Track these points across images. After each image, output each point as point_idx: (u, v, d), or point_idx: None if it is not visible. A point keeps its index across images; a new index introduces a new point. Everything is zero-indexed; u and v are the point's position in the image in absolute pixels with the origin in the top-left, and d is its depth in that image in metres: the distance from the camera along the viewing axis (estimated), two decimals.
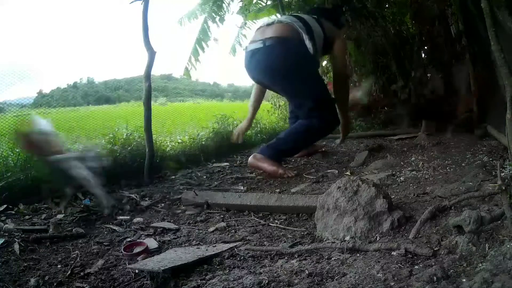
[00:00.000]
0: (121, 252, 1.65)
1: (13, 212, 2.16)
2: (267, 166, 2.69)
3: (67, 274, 1.46)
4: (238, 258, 1.49)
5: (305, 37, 2.58)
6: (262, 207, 2.08)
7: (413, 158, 2.72)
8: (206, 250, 1.57)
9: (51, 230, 1.90)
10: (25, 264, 1.54)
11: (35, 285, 1.37)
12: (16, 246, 1.69)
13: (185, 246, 1.70)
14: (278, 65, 2.62)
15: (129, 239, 1.81)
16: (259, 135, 4.26)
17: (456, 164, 2.36)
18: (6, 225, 1.89)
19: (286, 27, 2.62)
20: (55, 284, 1.40)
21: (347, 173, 2.64)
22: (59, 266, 1.54)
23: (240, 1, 5.63)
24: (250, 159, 2.78)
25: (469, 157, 2.49)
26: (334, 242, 1.49)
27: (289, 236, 1.73)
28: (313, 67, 2.72)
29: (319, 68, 3.00)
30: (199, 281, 1.30)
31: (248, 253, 1.53)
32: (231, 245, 1.62)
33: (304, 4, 5.15)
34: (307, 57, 2.61)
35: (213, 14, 5.56)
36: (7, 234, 1.81)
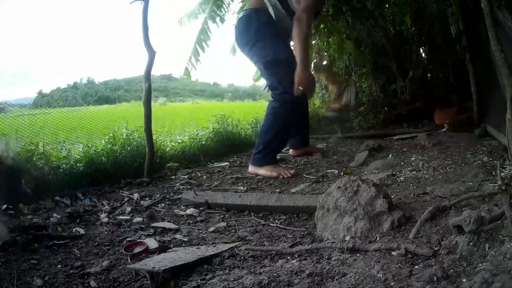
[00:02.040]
0: (121, 252, 1.65)
1: (13, 212, 2.16)
2: (264, 172, 2.73)
3: (67, 274, 1.46)
4: (238, 258, 1.50)
5: (268, 4, 2.51)
6: (262, 207, 2.08)
7: (413, 158, 2.72)
8: (206, 250, 1.57)
9: (51, 229, 1.91)
10: (25, 264, 1.54)
11: (39, 285, 1.37)
12: (16, 246, 1.69)
13: (185, 246, 1.70)
14: (241, 36, 2.68)
15: (129, 239, 1.81)
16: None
17: (456, 164, 2.36)
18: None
19: (253, 1, 2.66)
20: (55, 284, 1.40)
21: (341, 173, 2.64)
22: (59, 266, 1.54)
23: (241, 2, 5.63)
24: (249, 169, 2.84)
25: (469, 157, 2.49)
26: (334, 242, 1.49)
27: (289, 236, 1.73)
28: (272, 36, 2.54)
29: (287, 34, 2.59)
30: (199, 281, 1.30)
31: (248, 253, 1.53)
32: (231, 245, 1.62)
33: None
34: (267, 26, 2.54)
35: (213, 14, 5.56)
36: (6, 234, 1.81)
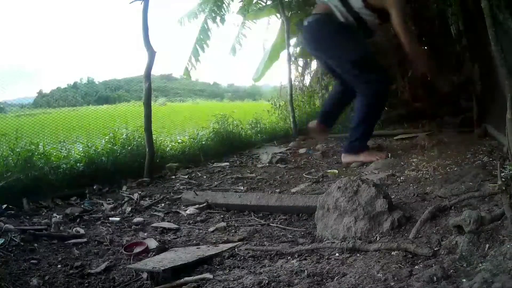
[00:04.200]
0: (121, 252, 1.65)
1: (13, 212, 2.16)
2: (364, 158, 2.78)
3: (67, 274, 1.46)
4: (238, 258, 1.50)
5: (339, 13, 2.70)
6: (262, 207, 2.08)
7: (413, 158, 2.72)
8: (206, 250, 1.57)
9: (52, 229, 1.91)
10: (25, 264, 1.54)
11: (36, 285, 1.37)
12: (16, 246, 1.69)
13: (185, 246, 1.70)
14: (314, 40, 2.90)
15: (129, 239, 1.81)
16: (259, 135, 4.26)
17: (456, 164, 2.36)
18: (6, 225, 1.88)
19: (320, 6, 2.85)
20: (55, 284, 1.40)
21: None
22: (59, 266, 1.54)
23: (240, 1, 5.63)
24: (342, 159, 2.89)
25: (469, 157, 2.48)
26: (334, 242, 1.49)
27: (289, 236, 1.73)
28: (344, 37, 2.74)
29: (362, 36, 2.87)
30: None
31: (248, 253, 1.53)
32: (231, 245, 1.62)
33: (304, 4, 5.16)
34: (336, 29, 2.74)
35: (213, 14, 5.56)
36: (7, 234, 1.81)
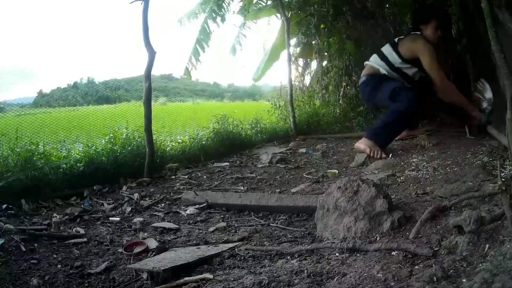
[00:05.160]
0: (121, 252, 1.65)
1: (13, 212, 2.16)
2: (368, 148, 2.96)
3: (67, 274, 1.46)
4: (238, 258, 1.50)
5: (383, 70, 3.26)
6: (262, 207, 2.08)
7: (413, 158, 2.72)
8: (206, 250, 1.57)
9: (52, 229, 1.91)
10: (25, 264, 1.54)
11: (36, 285, 1.37)
12: (16, 246, 1.69)
13: (185, 246, 1.70)
14: (364, 93, 3.56)
15: (129, 239, 1.81)
16: (259, 135, 4.26)
17: (456, 164, 2.36)
18: (6, 225, 1.88)
19: (368, 68, 3.42)
20: (55, 284, 1.40)
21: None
22: (59, 266, 1.54)
23: (240, 1, 5.63)
24: (358, 143, 3.11)
25: (470, 157, 2.48)
26: (334, 242, 1.49)
27: (289, 236, 1.73)
28: (383, 87, 3.25)
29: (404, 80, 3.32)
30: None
31: (248, 253, 1.53)
32: (232, 245, 1.62)
33: (304, 5, 5.16)
34: (377, 85, 3.30)
35: (213, 13, 5.57)
36: (7, 234, 1.81)
